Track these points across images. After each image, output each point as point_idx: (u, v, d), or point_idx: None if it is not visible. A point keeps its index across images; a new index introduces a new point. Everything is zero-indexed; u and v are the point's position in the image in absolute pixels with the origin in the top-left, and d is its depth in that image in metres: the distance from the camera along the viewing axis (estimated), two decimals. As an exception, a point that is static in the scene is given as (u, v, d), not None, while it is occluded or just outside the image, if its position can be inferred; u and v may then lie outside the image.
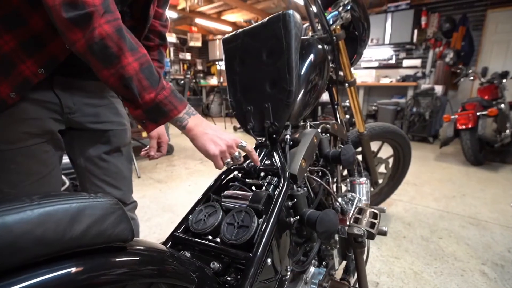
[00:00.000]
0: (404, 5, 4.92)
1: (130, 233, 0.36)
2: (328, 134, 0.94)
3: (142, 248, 0.40)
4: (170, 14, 5.88)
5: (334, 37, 1.06)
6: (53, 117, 0.72)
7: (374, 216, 0.70)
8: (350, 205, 0.83)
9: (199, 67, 8.24)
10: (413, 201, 2.16)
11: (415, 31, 4.92)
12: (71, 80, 0.74)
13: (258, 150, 0.77)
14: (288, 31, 0.71)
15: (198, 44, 7.70)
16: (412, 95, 4.39)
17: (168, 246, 0.61)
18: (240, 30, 0.81)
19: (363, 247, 0.68)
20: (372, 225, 0.67)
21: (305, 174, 0.76)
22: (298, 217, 0.66)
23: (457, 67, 3.77)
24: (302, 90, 0.84)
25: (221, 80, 6.72)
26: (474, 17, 4.58)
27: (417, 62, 5.13)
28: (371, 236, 0.66)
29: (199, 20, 6.59)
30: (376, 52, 5.52)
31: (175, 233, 0.63)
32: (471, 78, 3.58)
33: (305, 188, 0.72)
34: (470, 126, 2.96)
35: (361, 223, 0.68)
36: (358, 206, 0.79)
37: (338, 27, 1.10)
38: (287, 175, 0.66)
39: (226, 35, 0.86)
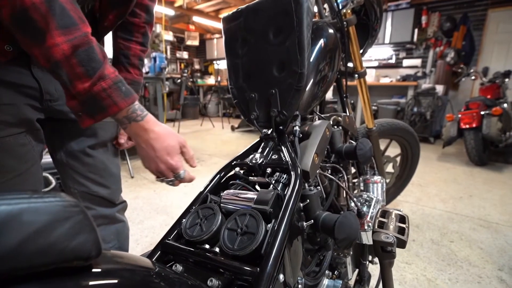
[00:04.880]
0: (404, 4, 4.86)
1: (95, 246, 0.26)
2: (340, 127, 0.84)
3: (114, 267, 0.30)
4: (167, 11, 5.77)
5: (345, 22, 0.96)
6: (31, 104, 0.62)
7: (402, 219, 0.60)
8: (366, 206, 0.73)
9: (197, 67, 8.13)
10: (419, 203, 2.07)
11: (416, 31, 4.86)
12: None
13: (263, 143, 0.67)
14: (299, 4, 0.61)
15: (196, 43, 7.60)
16: (413, 95, 4.32)
17: (156, 257, 0.51)
18: (243, 6, 0.71)
19: (393, 258, 0.58)
20: (401, 231, 0.57)
21: (317, 171, 0.65)
22: (312, 221, 0.56)
23: (458, 67, 3.72)
24: (312, 80, 0.74)
25: (219, 79, 6.61)
26: (475, 16, 4.53)
27: (417, 61, 5.08)
28: (402, 245, 0.56)
29: (196, 18, 6.49)
30: (376, 51, 5.46)
31: (166, 241, 0.53)
32: (473, 77, 3.53)
33: (318, 187, 0.62)
34: (474, 125, 2.89)
35: (388, 228, 0.58)
36: (377, 207, 0.69)
37: (349, 11, 1.00)
38: (299, 172, 0.56)
39: (227, 13, 0.76)
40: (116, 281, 0.29)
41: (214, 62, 7.92)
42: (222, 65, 7.81)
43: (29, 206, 0.22)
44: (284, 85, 0.64)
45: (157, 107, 3.58)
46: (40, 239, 0.22)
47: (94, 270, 0.27)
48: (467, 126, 2.92)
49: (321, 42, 0.78)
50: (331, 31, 0.82)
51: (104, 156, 0.77)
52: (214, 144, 4.06)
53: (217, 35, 7.82)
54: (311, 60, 0.73)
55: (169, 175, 0.59)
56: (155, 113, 4.07)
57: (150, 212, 1.92)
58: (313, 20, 0.85)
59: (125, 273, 0.30)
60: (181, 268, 0.47)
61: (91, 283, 0.26)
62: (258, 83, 0.69)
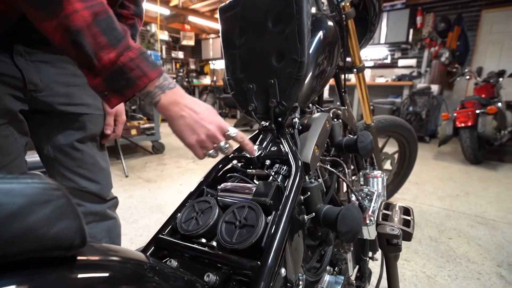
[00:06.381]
0: (399, 5, 4.89)
1: (79, 234, 0.23)
2: (340, 121, 0.82)
3: (102, 258, 0.27)
4: (162, 11, 5.73)
5: (343, 16, 0.94)
6: (13, 94, 0.59)
7: (406, 212, 0.58)
8: (367, 200, 0.71)
9: (192, 67, 8.08)
10: (416, 200, 2.06)
11: (411, 31, 4.89)
12: (37, 52, 0.61)
13: (262, 135, 0.65)
14: (299, -9, 0.59)
15: (191, 43, 7.56)
16: (409, 94, 4.34)
17: (149, 252, 0.48)
18: (240, -6, 0.69)
19: (398, 251, 0.56)
20: (407, 223, 0.56)
21: (317, 164, 0.63)
22: (313, 214, 0.54)
23: (453, 67, 3.74)
24: (310, 72, 0.72)
25: (214, 79, 6.58)
26: (469, 17, 4.57)
27: (413, 61, 5.11)
28: (407, 237, 0.54)
29: (192, 18, 6.45)
30: (371, 51, 5.48)
31: (160, 236, 0.50)
32: (467, 77, 3.56)
33: (319, 180, 0.60)
34: (469, 124, 2.91)
35: (392, 220, 0.56)
36: (379, 202, 0.67)
37: (348, 4, 0.98)
38: (299, 163, 0.54)
39: (224, 3, 0.73)
40: (104, 274, 0.26)
41: (210, 62, 7.88)
42: (218, 65, 7.78)
43: (2, 186, 0.20)
44: (283, 74, 0.62)
45: (152, 107, 3.53)
46: (14, 224, 0.19)
47: (78, 261, 0.24)
48: (463, 124, 2.94)
49: (320, 34, 0.76)
50: (330, 23, 0.80)
51: (93, 150, 0.74)
52: (210, 143, 4.02)
53: (212, 35, 7.78)
54: (310, 52, 0.71)
55: (220, 137, 0.51)
56: (150, 113, 4.02)
57: (144, 211, 1.88)
58: (312, 12, 0.83)
59: (114, 265, 0.28)
60: (176, 263, 0.45)
61: (75, 275, 0.23)
62: (256, 73, 0.67)
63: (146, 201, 2.04)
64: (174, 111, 0.49)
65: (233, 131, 0.52)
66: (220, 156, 0.58)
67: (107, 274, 0.26)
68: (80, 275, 0.24)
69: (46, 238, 0.21)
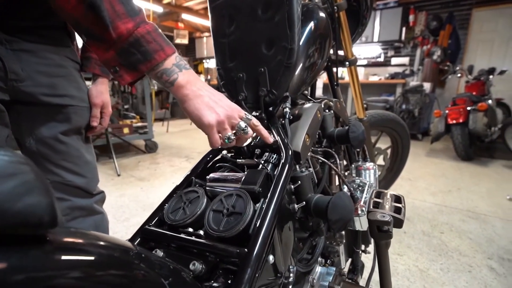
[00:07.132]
0: (392, 3, 4.93)
1: (49, 211, 0.21)
2: (332, 112, 0.81)
3: (79, 241, 0.26)
4: (155, 8, 5.67)
5: (335, 7, 0.94)
6: None
7: (397, 199, 0.58)
8: (359, 192, 0.70)
9: (186, 65, 8.02)
10: (409, 196, 2.08)
11: (403, 29, 4.93)
12: (18, 40, 0.59)
13: None
14: (288, -23, 0.58)
15: (185, 41, 7.49)
16: (401, 92, 4.38)
17: (136, 243, 0.47)
18: (230, -18, 0.68)
19: (389, 238, 0.55)
20: (398, 210, 0.55)
21: (308, 154, 0.63)
22: (304, 203, 0.53)
23: (444, 65, 3.79)
24: (301, 62, 0.71)
25: (209, 78, 6.55)
26: (460, 15, 4.63)
27: (405, 60, 5.15)
28: (398, 224, 0.53)
29: (185, 16, 6.41)
30: (364, 50, 5.51)
31: (146, 227, 0.49)
32: (459, 75, 3.60)
33: (310, 169, 0.59)
34: (461, 120, 2.95)
35: (383, 208, 0.56)
36: (371, 192, 0.67)
37: (340, -5, 0.98)
38: (289, 152, 0.53)
39: (213, -9, 0.72)
40: (80, 257, 0.25)
41: (204, 61, 7.84)
42: (212, 64, 7.74)
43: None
44: (273, 62, 0.61)
45: (145, 106, 3.49)
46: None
47: (51, 242, 0.23)
48: (454, 121, 2.97)
49: (312, 25, 0.75)
50: (322, 14, 0.79)
51: (78, 143, 0.72)
52: (204, 142, 3.99)
53: (206, 34, 7.74)
54: (301, 42, 0.71)
55: (238, 119, 0.49)
56: (143, 112, 3.97)
57: (136, 210, 1.85)
58: (303, 2, 0.82)
59: (93, 249, 0.26)
60: (162, 253, 0.44)
61: (44, 255, 0.22)
62: (246, 62, 0.66)
63: (138, 199, 2.01)
64: (192, 90, 0.46)
65: (249, 115, 0.51)
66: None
67: (83, 258, 0.25)
68: (51, 256, 0.22)
69: (10, 214, 0.19)
